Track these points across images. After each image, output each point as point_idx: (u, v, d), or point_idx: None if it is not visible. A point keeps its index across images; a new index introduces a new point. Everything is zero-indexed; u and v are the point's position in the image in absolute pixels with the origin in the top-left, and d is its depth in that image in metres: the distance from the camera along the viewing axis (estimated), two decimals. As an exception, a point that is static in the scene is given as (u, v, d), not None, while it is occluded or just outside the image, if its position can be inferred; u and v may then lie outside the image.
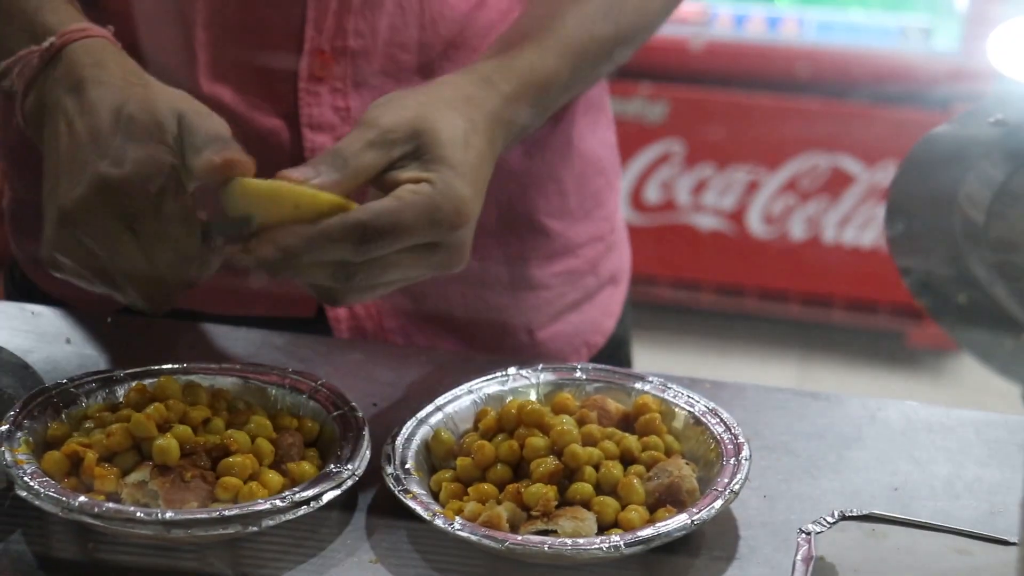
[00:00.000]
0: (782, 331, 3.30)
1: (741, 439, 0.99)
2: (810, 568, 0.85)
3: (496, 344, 1.26)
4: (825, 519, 0.90)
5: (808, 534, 0.88)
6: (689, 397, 1.05)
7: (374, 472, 0.98)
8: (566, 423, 1.00)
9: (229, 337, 1.15)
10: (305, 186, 0.96)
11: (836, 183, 3.18)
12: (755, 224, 3.25)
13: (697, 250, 3.29)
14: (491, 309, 1.25)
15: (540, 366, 1.08)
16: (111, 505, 0.92)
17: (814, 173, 3.19)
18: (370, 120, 0.99)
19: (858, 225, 3.19)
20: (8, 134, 1.25)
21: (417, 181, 0.97)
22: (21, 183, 1.26)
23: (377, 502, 0.99)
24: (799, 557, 0.86)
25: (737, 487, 0.95)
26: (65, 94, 0.99)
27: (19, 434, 0.98)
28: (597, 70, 1.14)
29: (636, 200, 3.27)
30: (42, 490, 0.93)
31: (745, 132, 3.22)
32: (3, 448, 0.96)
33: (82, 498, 0.92)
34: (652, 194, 3.28)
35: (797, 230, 3.23)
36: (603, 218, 1.32)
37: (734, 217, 3.25)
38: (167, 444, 0.95)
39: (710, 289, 3.30)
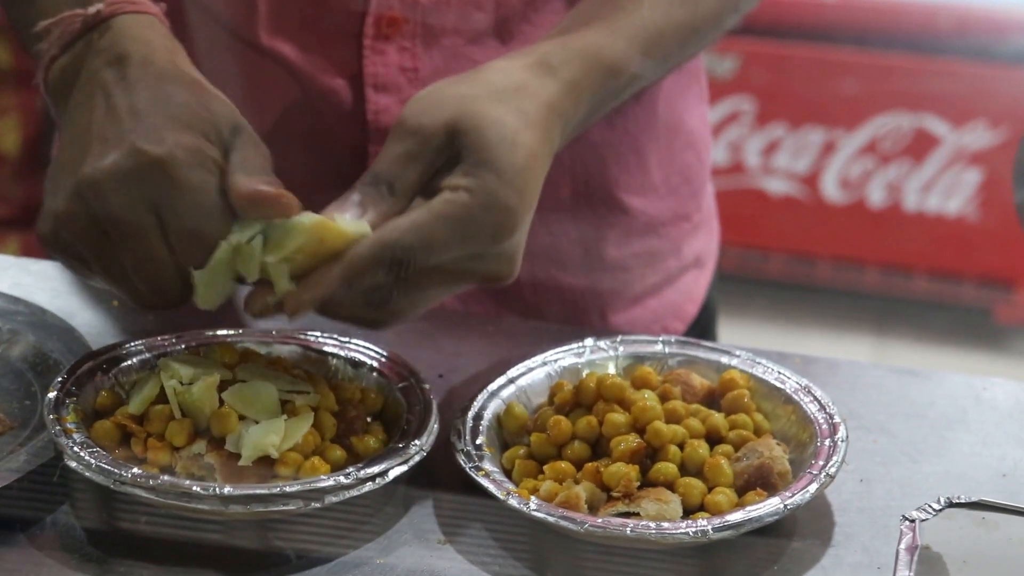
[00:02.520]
0: (857, 304, 3.28)
1: (837, 419, 0.99)
2: (915, 558, 0.85)
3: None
4: (930, 506, 0.90)
5: (912, 521, 0.88)
6: (780, 373, 1.05)
7: (442, 447, 0.99)
8: (648, 399, 1.00)
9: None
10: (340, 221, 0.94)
11: (919, 145, 3.16)
12: (830, 189, 3.23)
13: (767, 216, 3.28)
14: (562, 289, 1.25)
15: (619, 338, 1.09)
16: (166, 478, 0.93)
17: (896, 134, 3.17)
18: (408, 124, 0.97)
19: (943, 191, 3.17)
20: None
21: (456, 188, 0.94)
22: None
23: (446, 479, 0.99)
24: (902, 546, 0.87)
25: (833, 470, 0.95)
26: (106, 67, 0.98)
27: (67, 402, 0.99)
28: (669, 59, 1.11)
29: (702, 161, 3.26)
30: (93, 461, 0.94)
31: (821, 89, 3.19)
32: (51, 416, 0.98)
33: (135, 470, 0.93)
34: (719, 155, 3.27)
35: (876, 196, 3.21)
36: (690, 195, 1.30)
37: (808, 181, 3.24)
38: (225, 414, 0.96)
39: (780, 258, 3.29)
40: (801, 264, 3.28)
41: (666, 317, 1.30)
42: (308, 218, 0.94)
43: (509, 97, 0.98)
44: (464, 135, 0.95)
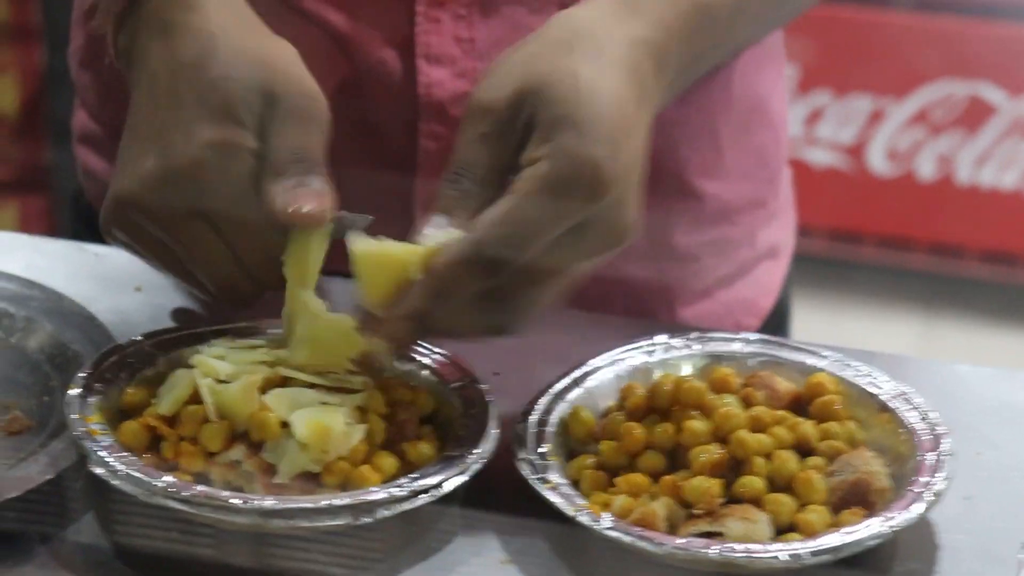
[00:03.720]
0: (905, 283, 3.25)
1: (941, 429, 0.94)
2: (1040, 593, 0.80)
3: None
4: (1054, 532, 0.85)
5: (1034, 551, 0.83)
6: (873, 377, 0.99)
7: (501, 456, 0.94)
8: (731, 404, 0.95)
9: (322, 289, 1.10)
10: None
11: (974, 115, 3.11)
12: (877, 161, 3.19)
13: (809, 190, 3.19)
14: (627, 280, 1.19)
15: (694, 335, 1.04)
16: (201, 489, 0.88)
17: (948, 103, 3.13)
18: (475, 104, 0.93)
19: (998, 164, 3.13)
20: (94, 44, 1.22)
21: (533, 161, 0.90)
22: (106, 104, 1.22)
23: (507, 492, 0.94)
24: (1024, 577, 0.81)
25: (939, 487, 0.90)
26: (151, 40, 0.95)
27: (91, 399, 0.95)
28: (765, 12, 1.06)
29: (741, 130, 3.21)
30: (122, 468, 0.89)
31: (868, 54, 3.15)
32: (75, 416, 0.93)
33: (167, 479, 0.89)
34: (759, 123, 3.22)
35: (926, 169, 3.17)
36: (766, 179, 1.25)
37: (853, 152, 3.20)
38: (265, 418, 0.91)
39: (823, 234, 3.24)
40: (845, 241, 3.24)
41: (738, 311, 1.25)
42: (360, 248, 0.92)
43: (580, 43, 0.92)
44: (531, 98, 0.91)
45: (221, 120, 0.92)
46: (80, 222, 1.29)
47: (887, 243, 3.23)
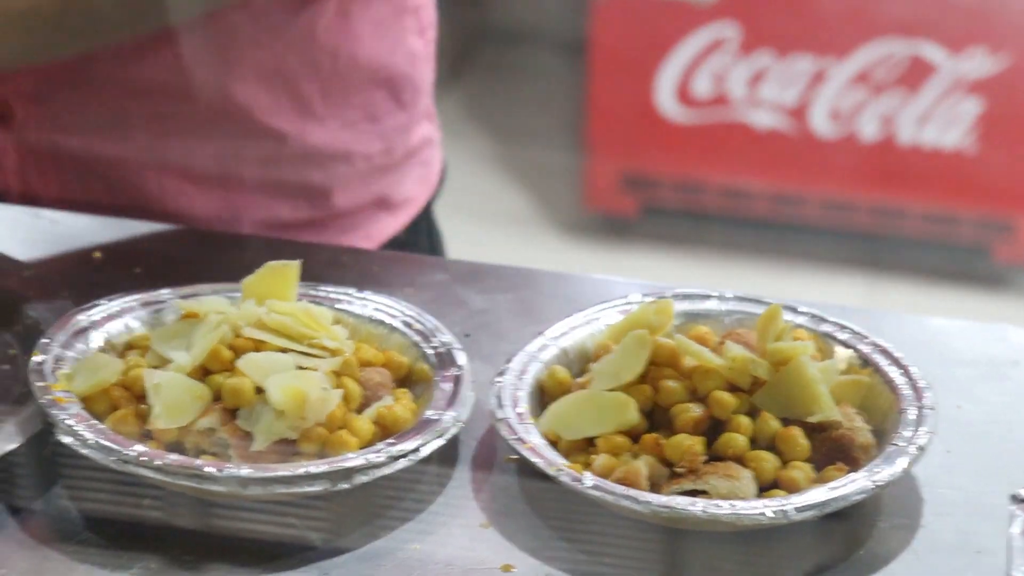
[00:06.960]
0: (848, 244, 3.24)
1: (922, 384, 0.94)
2: (1031, 544, 0.80)
3: None
4: (1042, 483, 0.84)
5: (1023, 501, 0.83)
6: (851, 332, 0.99)
7: (478, 418, 0.93)
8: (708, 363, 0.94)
9: (289, 254, 1.08)
10: None
11: (915, 74, 3.11)
12: (819, 122, 3.18)
13: (752, 151, 3.22)
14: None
15: (671, 292, 1.02)
16: (175, 457, 0.86)
17: (889, 62, 3.12)
18: None
19: (940, 123, 3.13)
20: None
21: None
22: None
23: (485, 454, 0.94)
24: (1016, 530, 0.81)
25: (923, 442, 0.89)
26: None
27: (55, 366, 0.92)
28: None
29: (683, 94, 3.19)
30: (91, 437, 0.87)
31: (810, 14, 3.14)
32: (39, 383, 0.90)
33: (139, 447, 0.86)
34: (701, 87, 3.21)
35: (868, 129, 3.17)
36: (377, 135, 1.26)
37: (795, 114, 3.19)
38: (239, 385, 0.89)
39: (766, 196, 3.24)
40: (788, 202, 3.24)
41: None
42: None
43: None
44: None
45: None
46: None
47: (830, 204, 3.23)
